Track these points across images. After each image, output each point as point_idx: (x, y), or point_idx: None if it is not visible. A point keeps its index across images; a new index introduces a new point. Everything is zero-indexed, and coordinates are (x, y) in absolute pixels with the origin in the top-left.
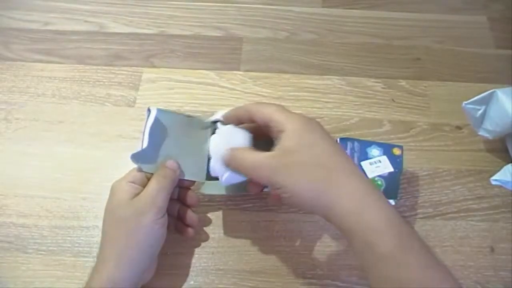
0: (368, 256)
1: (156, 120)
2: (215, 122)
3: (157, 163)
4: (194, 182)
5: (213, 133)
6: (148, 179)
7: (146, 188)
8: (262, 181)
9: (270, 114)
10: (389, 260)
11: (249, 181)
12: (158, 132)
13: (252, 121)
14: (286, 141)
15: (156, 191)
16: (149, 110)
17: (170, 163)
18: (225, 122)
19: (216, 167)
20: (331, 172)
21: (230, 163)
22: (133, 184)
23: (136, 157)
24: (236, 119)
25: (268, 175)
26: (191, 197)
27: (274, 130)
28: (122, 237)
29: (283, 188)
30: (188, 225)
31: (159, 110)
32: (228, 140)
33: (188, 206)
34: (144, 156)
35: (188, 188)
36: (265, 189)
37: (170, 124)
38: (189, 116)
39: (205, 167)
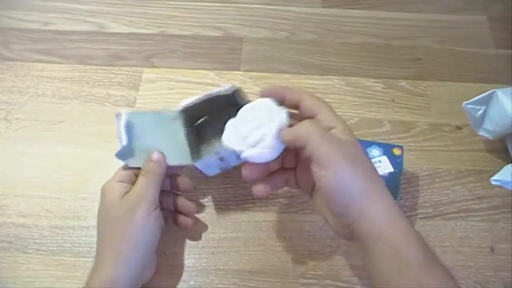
0: (393, 263)
1: (128, 121)
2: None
3: (141, 157)
4: (181, 168)
5: (186, 123)
6: (136, 176)
7: (135, 185)
8: (318, 154)
9: (320, 107)
10: (415, 267)
11: (253, 163)
12: (133, 130)
13: (295, 107)
14: (341, 134)
15: (145, 186)
16: (118, 114)
17: (155, 156)
18: (268, 94)
19: (267, 140)
20: (373, 174)
21: (295, 132)
22: (122, 183)
23: (120, 155)
24: (280, 97)
25: (330, 152)
26: (183, 182)
27: (322, 124)
28: (117, 236)
29: (337, 168)
30: (185, 214)
31: (129, 114)
32: (279, 117)
33: (182, 193)
34: (127, 152)
35: (177, 175)
36: (255, 187)
37: (141, 123)
38: (156, 112)
39: (188, 150)
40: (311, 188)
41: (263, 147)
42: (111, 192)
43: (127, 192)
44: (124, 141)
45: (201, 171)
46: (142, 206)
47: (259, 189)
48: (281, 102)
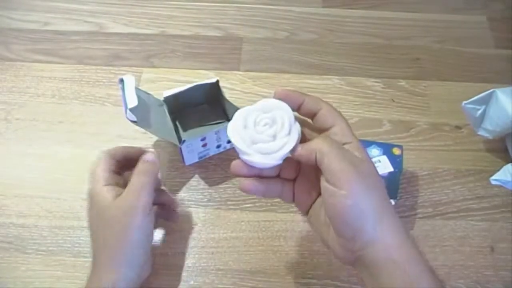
0: None
1: (136, 87)
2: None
3: (149, 122)
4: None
5: (170, 110)
6: (121, 176)
7: (128, 186)
8: (333, 171)
9: (337, 120)
10: None
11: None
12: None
13: (310, 115)
14: (355, 151)
15: (140, 188)
16: (122, 80)
17: (150, 157)
18: (284, 97)
19: (280, 153)
20: (385, 196)
21: (310, 147)
22: (109, 186)
23: (132, 111)
24: (298, 103)
25: (346, 169)
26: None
27: (336, 138)
28: (115, 240)
29: (352, 187)
30: (170, 208)
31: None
32: (297, 130)
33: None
34: (138, 112)
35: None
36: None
37: (139, 95)
38: (147, 92)
39: (174, 133)
40: (309, 205)
41: (273, 158)
42: (102, 196)
43: (117, 195)
44: (135, 101)
45: (181, 156)
46: (138, 209)
47: (248, 183)
48: (297, 108)
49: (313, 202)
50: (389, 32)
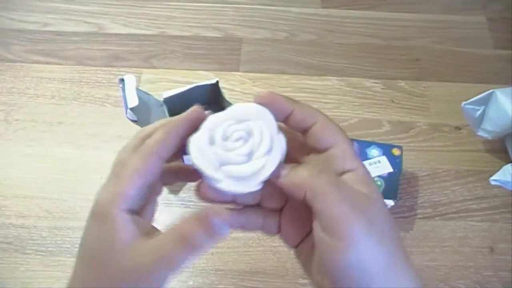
0: None
1: (136, 87)
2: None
3: (149, 122)
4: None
5: (169, 112)
6: (151, 191)
7: (160, 242)
8: (328, 218)
9: (337, 138)
10: None
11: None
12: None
13: (302, 129)
14: (360, 182)
15: (174, 263)
16: (123, 79)
17: (219, 216)
18: (267, 102)
19: (260, 178)
20: (397, 241)
21: (297, 180)
22: (130, 216)
23: (133, 111)
24: (285, 112)
25: (346, 215)
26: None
27: (335, 164)
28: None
29: (354, 239)
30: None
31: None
32: (281, 146)
33: None
34: (138, 112)
35: None
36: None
37: (139, 95)
38: (147, 93)
39: None
40: (298, 241)
41: (248, 185)
42: (115, 228)
43: (143, 234)
44: (136, 101)
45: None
46: (164, 275)
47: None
48: (283, 118)
49: (304, 238)
50: (388, 32)
